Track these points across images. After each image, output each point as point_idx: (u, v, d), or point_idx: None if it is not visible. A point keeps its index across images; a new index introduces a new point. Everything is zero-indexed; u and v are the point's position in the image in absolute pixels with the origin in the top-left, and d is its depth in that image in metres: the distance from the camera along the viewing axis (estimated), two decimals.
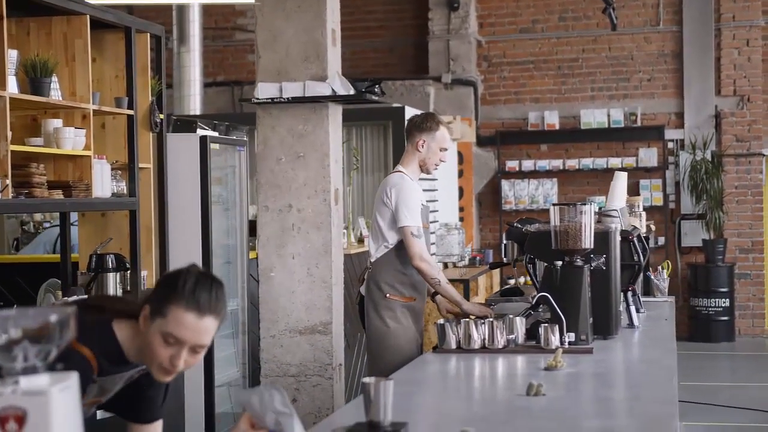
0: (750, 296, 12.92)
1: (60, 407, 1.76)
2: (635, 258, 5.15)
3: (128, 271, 5.77)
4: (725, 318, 12.57)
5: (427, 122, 5.48)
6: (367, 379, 2.76)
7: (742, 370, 11.18)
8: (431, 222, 9.53)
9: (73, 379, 1.81)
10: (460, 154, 12.67)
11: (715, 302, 12.53)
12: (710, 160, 12.64)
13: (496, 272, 11.55)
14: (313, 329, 5.89)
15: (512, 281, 12.02)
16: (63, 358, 2.55)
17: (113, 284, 5.60)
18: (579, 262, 4.51)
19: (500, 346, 4.33)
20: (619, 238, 4.83)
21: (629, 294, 5.18)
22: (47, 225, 9.28)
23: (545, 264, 4.66)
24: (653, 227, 9.87)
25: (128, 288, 5.77)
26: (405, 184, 5.35)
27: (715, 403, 9.03)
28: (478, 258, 11.30)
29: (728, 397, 9.38)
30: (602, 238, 4.65)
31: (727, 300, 12.56)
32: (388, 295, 5.36)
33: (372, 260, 5.45)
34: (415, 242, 5.24)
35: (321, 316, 5.86)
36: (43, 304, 5.76)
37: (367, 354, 5.68)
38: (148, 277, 6.06)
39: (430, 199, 10.57)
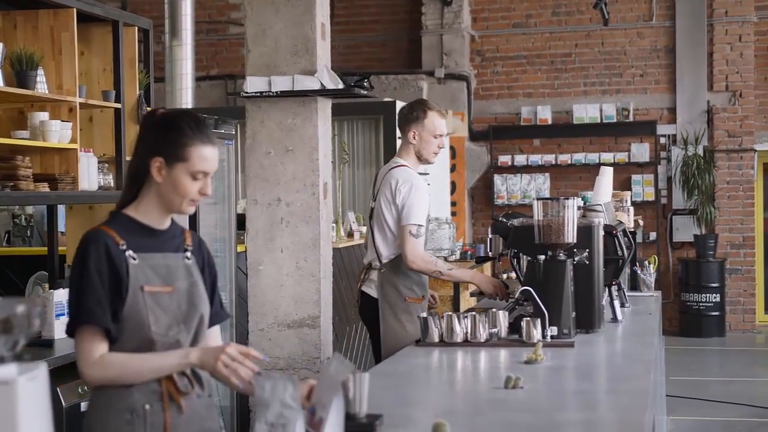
0: (741, 291, 12.95)
1: (27, 397, 1.77)
2: (619, 252, 5.16)
3: None
4: (716, 313, 12.61)
5: (413, 112, 5.33)
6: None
7: (733, 365, 11.21)
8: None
9: (41, 369, 1.83)
10: (452, 149, 12.69)
11: (706, 297, 12.56)
12: (702, 155, 12.67)
13: (488, 266, 11.58)
14: (301, 323, 5.91)
15: (505, 275, 12.04)
16: (82, 244, 2.84)
17: None
18: (562, 257, 4.52)
19: (482, 340, 4.34)
20: (603, 233, 4.84)
21: (613, 288, 5.19)
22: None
23: (528, 258, 4.67)
24: (641, 222, 9.90)
25: None
26: (416, 181, 5.20)
27: (704, 397, 9.06)
28: (469, 252, 11.32)
29: (718, 391, 9.41)
30: (585, 232, 4.66)
31: (718, 295, 12.59)
32: (407, 298, 5.23)
33: (383, 260, 5.26)
34: (411, 242, 5.09)
35: (309, 310, 5.87)
36: (32, 296, 5.77)
37: (382, 355, 5.53)
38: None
39: None
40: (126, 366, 2.84)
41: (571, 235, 4.51)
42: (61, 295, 4.96)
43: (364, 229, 8.56)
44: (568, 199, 4.53)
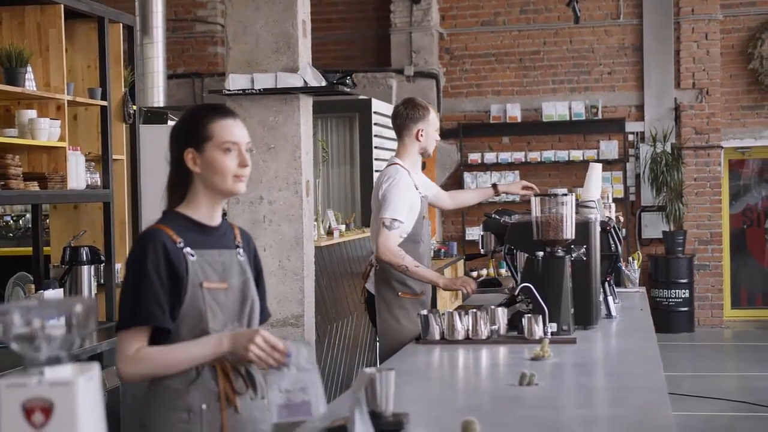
0: (709, 287, 13.07)
1: (86, 397, 1.74)
2: (613, 248, 5.18)
3: (102, 264, 5.70)
4: (685, 309, 12.71)
5: (418, 111, 5.39)
6: (368, 370, 2.75)
7: (702, 360, 11.31)
8: None
9: (95, 369, 1.79)
10: None
11: (675, 293, 12.66)
12: (670, 152, 12.75)
13: (461, 264, 11.59)
14: (284, 322, 5.88)
15: (475, 273, 12.07)
16: (140, 243, 2.85)
17: (87, 277, 5.53)
18: (560, 253, 4.52)
19: (484, 337, 4.33)
20: (599, 229, 4.85)
21: (606, 284, 5.20)
22: (7, 218, 9.17)
23: (526, 255, 4.67)
24: (622, 218, 9.96)
25: (102, 281, 5.71)
26: (399, 178, 5.25)
27: (677, 392, 9.12)
28: (442, 250, 11.34)
29: (691, 387, 9.48)
30: (582, 228, 4.67)
31: (687, 291, 12.70)
32: (400, 293, 5.26)
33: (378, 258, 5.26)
34: (384, 234, 5.13)
35: (293, 309, 5.84)
36: (12, 298, 5.68)
37: (379, 351, 5.55)
38: (123, 269, 5.99)
39: None
40: (159, 357, 2.81)
41: (569, 231, 4.51)
42: (52, 296, 4.88)
43: (343, 227, 8.54)
44: (566, 195, 4.53)
